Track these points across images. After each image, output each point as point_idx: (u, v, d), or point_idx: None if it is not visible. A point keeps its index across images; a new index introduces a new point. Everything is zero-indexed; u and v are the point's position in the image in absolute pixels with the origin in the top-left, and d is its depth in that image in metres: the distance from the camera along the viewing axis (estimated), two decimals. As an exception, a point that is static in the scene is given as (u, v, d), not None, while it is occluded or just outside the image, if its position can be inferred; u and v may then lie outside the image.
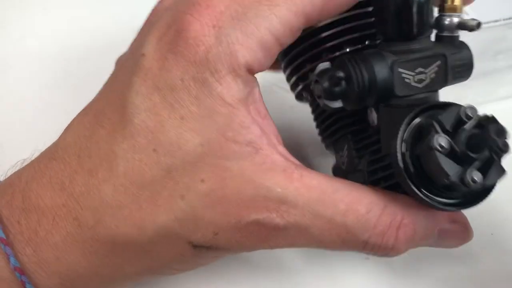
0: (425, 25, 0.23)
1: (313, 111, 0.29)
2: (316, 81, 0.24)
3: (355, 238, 0.22)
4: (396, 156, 0.22)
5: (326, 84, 0.23)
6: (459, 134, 0.21)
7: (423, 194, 0.22)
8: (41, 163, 0.24)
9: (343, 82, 0.23)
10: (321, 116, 0.28)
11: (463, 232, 0.25)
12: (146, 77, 0.22)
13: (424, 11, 0.23)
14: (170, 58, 0.22)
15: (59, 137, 0.25)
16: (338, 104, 0.23)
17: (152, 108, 0.22)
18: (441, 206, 0.22)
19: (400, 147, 0.22)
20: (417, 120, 0.22)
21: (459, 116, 0.21)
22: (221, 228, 0.22)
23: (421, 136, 0.22)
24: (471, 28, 0.23)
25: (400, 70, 0.22)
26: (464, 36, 0.24)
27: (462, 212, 0.24)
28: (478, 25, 0.23)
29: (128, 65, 0.24)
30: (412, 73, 0.23)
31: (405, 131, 0.22)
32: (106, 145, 0.22)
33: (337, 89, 0.23)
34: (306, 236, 0.23)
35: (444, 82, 0.24)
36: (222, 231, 0.22)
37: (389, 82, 0.22)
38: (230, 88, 0.22)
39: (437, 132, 0.21)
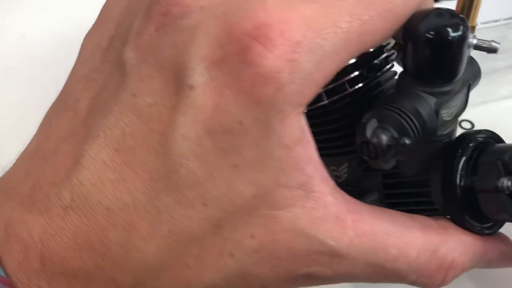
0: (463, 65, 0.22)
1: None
2: (366, 142, 0.21)
3: (402, 279, 0.22)
4: (456, 191, 0.22)
5: (384, 145, 0.21)
6: None
7: (471, 225, 0.23)
8: (53, 214, 0.20)
9: (405, 139, 0.21)
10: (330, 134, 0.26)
11: (509, 262, 0.25)
12: (197, 119, 0.18)
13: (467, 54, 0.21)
14: (228, 96, 0.18)
15: (68, 175, 0.20)
16: (393, 162, 0.22)
17: (202, 156, 0.18)
18: (488, 232, 0.23)
19: (458, 181, 0.22)
20: (466, 152, 0.22)
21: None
22: (269, 281, 0.21)
23: (476, 170, 0.22)
24: (490, 51, 0.23)
25: (443, 112, 0.22)
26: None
27: (510, 244, 0.24)
28: (496, 49, 0.23)
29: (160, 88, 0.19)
30: (449, 110, 0.22)
31: (461, 166, 0.22)
32: (144, 198, 0.19)
33: (397, 147, 0.21)
34: (353, 279, 0.22)
35: (466, 106, 0.23)
36: (270, 283, 0.21)
37: (433, 124, 0.22)
38: (292, 129, 0.19)
39: (502, 174, 0.21)
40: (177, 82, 0.19)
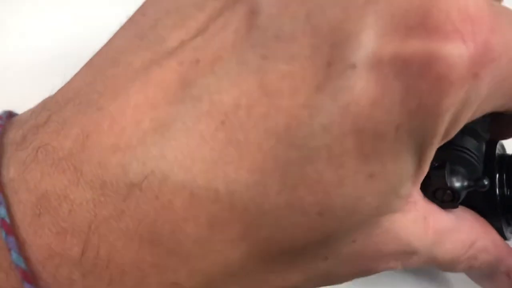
0: None
1: None
2: (443, 188, 0.21)
3: (439, 266, 0.22)
4: (496, 200, 0.22)
5: (463, 189, 0.21)
6: None
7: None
8: (111, 191, 0.15)
9: (485, 180, 0.21)
10: None
11: (506, 286, 0.24)
12: (348, 110, 0.14)
13: None
14: (395, 92, 0.14)
15: (143, 140, 0.15)
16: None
17: (338, 157, 0.15)
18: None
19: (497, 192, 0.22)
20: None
21: None
22: (346, 277, 0.19)
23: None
24: None
25: (484, 135, 0.22)
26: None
27: None
28: None
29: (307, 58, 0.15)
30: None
31: (498, 179, 0.22)
32: (246, 192, 0.15)
33: (475, 187, 0.21)
34: (405, 268, 0.21)
35: None
36: (345, 279, 0.19)
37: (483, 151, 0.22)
38: (435, 146, 0.16)
39: None
40: (333, 55, 0.14)
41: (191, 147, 0.15)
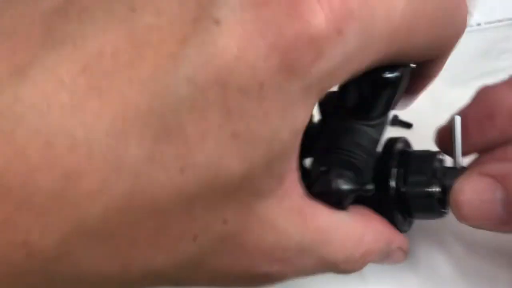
0: None
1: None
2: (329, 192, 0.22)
3: (335, 269, 0.22)
4: (389, 198, 0.24)
5: (347, 193, 0.22)
6: (442, 180, 0.24)
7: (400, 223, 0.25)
8: None
9: (369, 186, 0.22)
10: None
11: (402, 257, 0.26)
12: (211, 63, 0.15)
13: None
14: (259, 48, 0.15)
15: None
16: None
17: (201, 109, 0.15)
18: (406, 229, 0.26)
19: (392, 191, 0.24)
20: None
21: (439, 164, 0.24)
22: (222, 276, 0.18)
23: (406, 178, 0.24)
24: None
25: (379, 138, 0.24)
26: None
27: (407, 242, 0.26)
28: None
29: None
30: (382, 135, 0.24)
31: (393, 176, 0.24)
32: (104, 140, 0.14)
33: (360, 192, 0.22)
34: (299, 276, 0.21)
35: None
36: (221, 279, 0.19)
37: (376, 153, 0.24)
38: (305, 115, 0.17)
39: (432, 182, 0.23)
40: (199, 10, 0.15)
41: (49, 91, 0.14)
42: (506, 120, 0.23)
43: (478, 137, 0.24)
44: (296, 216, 0.19)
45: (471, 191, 0.22)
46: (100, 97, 0.14)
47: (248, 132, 0.15)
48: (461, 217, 0.22)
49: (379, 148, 0.24)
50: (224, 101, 0.15)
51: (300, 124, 0.17)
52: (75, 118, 0.14)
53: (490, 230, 0.22)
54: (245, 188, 0.16)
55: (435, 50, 0.21)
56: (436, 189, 0.23)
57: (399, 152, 0.25)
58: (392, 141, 0.25)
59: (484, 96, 0.24)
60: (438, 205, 0.24)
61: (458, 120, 0.24)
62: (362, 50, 0.17)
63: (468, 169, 0.24)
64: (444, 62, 0.23)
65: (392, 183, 0.24)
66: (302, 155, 0.21)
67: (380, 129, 0.23)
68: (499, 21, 0.46)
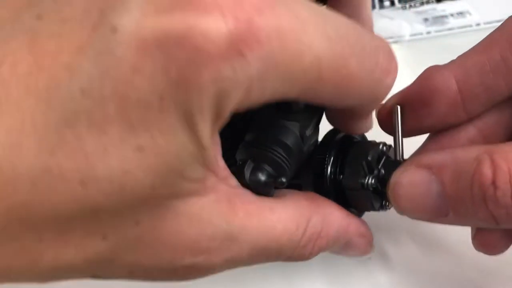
0: None
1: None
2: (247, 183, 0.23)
3: (282, 255, 0.21)
4: (326, 192, 0.24)
5: (263, 184, 0.22)
6: (379, 172, 0.24)
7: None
8: None
9: (282, 178, 0.22)
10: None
11: (366, 246, 0.25)
12: (108, 75, 0.14)
13: None
14: (157, 60, 0.14)
15: None
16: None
17: (100, 123, 0.14)
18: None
19: (328, 184, 0.24)
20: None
21: (378, 155, 0.24)
22: (142, 269, 0.18)
23: (343, 170, 0.24)
24: None
25: (306, 131, 0.24)
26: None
27: (369, 230, 0.26)
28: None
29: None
30: (310, 127, 0.24)
31: (329, 170, 0.25)
32: (1, 149, 0.14)
33: (276, 184, 0.23)
34: (235, 266, 0.20)
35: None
36: (141, 271, 0.18)
37: (300, 146, 0.24)
38: (210, 125, 0.16)
39: (367, 173, 0.24)
40: (99, 15, 0.14)
41: None
42: (444, 109, 0.23)
43: (415, 124, 0.24)
44: (223, 206, 0.18)
45: (408, 184, 0.22)
46: None
47: (154, 145, 0.15)
48: (399, 210, 0.22)
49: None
50: (124, 114, 0.14)
51: (206, 137, 0.16)
52: None
53: (429, 221, 0.22)
54: (157, 195, 0.16)
55: (349, 104, 0.20)
56: (370, 181, 0.23)
57: (339, 141, 0.25)
58: (334, 132, 0.25)
59: (423, 81, 0.23)
60: (375, 196, 0.24)
61: (398, 109, 0.23)
62: (262, 80, 0.16)
63: (406, 160, 0.23)
64: (367, 114, 0.22)
65: (328, 172, 0.24)
66: (233, 146, 0.23)
67: (306, 123, 0.23)
68: (498, 21, 0.46)
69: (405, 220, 0.24)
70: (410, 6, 0.48)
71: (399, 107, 0.23)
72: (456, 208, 0.21)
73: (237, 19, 0.14)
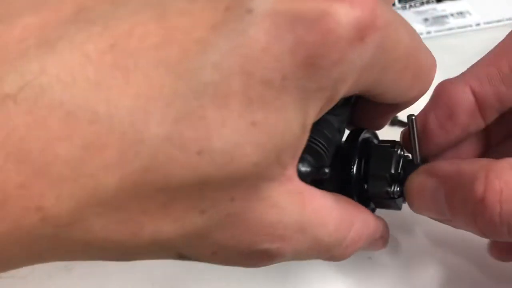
0: None
1: None
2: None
3: (328, 253, 0.22)
4: (352, 196, 0.25)
5: (306, 175, 0.22)
6: (400, 175, 0.25)
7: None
8: None
9: (325, 169, 0.23)
10: None
11: (384, 244, 0.27)
12: (239, 52, 0.15)
13: None
14: (286, 41, 0.15)
15: (25, 55, 0.15)
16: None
17: (224, 96, 0.15)
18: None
19: (353, 190, 0.25)
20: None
21: (397, 161, 0.25)
22: (224, 249, 0.19)
23: (367, 179, 0.25)
24: None
25: (342, 127, 0.25)
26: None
27: (388, 230, 0.27)
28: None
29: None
30: (345, 123, 0.25)
31: (354, 176, 0.25)
32: (127, 117, 0.15)
33: (318, 175, 0.23)
34: (295, 258, 0.21)
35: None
36: (223, 252, 0.19)
37: (338, 140, 0.25)
38: (318, 113, 0.17)
39: (390, 183, 0.25)
40: (232, 0, 0.15)
41: (75, 65, 0.14)
42: (466, 116, 0.24)
43: (442, 137, 0.25)
44: (296, 197, 0.19)
45: (419, 189, 0.24)
46: (125, 75, 0.15)
47: (266, 122, 0.16)
48: (412, 209, 0.24)
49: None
50: (247, 90, 0.15)
51: (310, 121, 0.17)
52: (98, 93, 0.14)
53: (439, 221, 0.24)
54: (255, 173, 0.17)
55: (409, 97, 0.22)
56: (395, 189, 0.25)
57: (362, 143, 0.26)
58: (357, 132, 0.26)
59: (442, 95, 0.24)
60: (399, 200, 0.26)
61: (413, 120, 0.24)
62: (371, 66, 0.17)
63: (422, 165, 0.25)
64: (405, 107, 0.24)
65: (353, 176, 0.25)
66: None
67: (343, 118, 0.24)
68: (498, 21, 0.46)
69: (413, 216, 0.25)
70: (410, 6, 0.48)
71: (413, 117, 0.25)
72: (454, 217, 0.22)
73: (362, 8, 0.16)
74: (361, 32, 0.16)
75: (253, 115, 0.16)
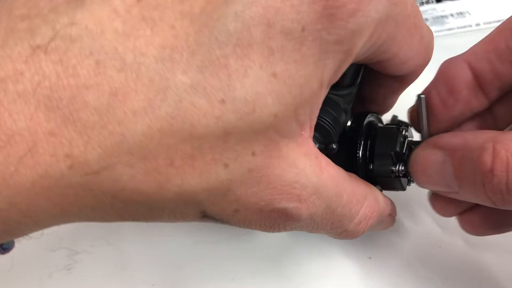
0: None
1: None
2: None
3: (341, 226, 0.23)
4: (358, 174, 0.25)
5: (317, 147, 0.23)
6: (405, 155, 0.25)
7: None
8: (13, 51, 0.15)
9: (333, 145, 0.24)
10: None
11: (392, 222, 0.27)
12: (259, 2, 0.16)
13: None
14: None
15: (56, 9, 0.15)
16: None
17: (246, 45, 0.16)
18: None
19: (359, 169, 0.25)
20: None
21: (402, 140, 0.25)
22: (245, 207, 0.19)
23: (372, 158, 0.26)
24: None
25: (347, 107, 0.26)
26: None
27: (395, 208, 0.27)
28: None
29: None
30: (350, 107, 0.26)
31: (361, 156, 0.26)
32: (154, 65, 0.15)
33: (326, 151, 0.24)
34: (309, 224, 0.22)
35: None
36: (244, 210, 0.19)
37: (344, 121, 0.26)
38: (336, 68, 0.18)
39: (395, 162, 0.25)
40: None
41: (103, 17, 0.15)
42: (466, 91, 0.24)
43: (446, 113, 0.25)
44: (314, 161, 0.20)
45: (425, 162, 0.24)
46: (151, 26, 0.15)
47: (286, 74, 0.16)
48: (418, 183, 0.25)
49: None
50: (268, 40, 0.16)
51: (327, 77, 0.18)
52: (126, 43, 0.15)
53: (445, 195, 0.24)
54: (274, 127, 0.17)
55: (412, 65, 0.23)
56: (400, 167, 0.25)
57: (367, 125, 0.26)
58: (362, 115, 0.26)
59: (443, 73, 0.25)
60: (403, 179, 0.26)
61: (423, 99, 0.25)
62: (385, 22, 0.18)
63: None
64: (411, 81, 0.25)
65: (359, 157, 0.25)
66: None
67: (348, 99, 0.25)
68: (498, 21, 0.46)
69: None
70: (410, 6, 0.48)
71: (423, 96, 0.25)
72: (462, 188, 0.22)
73: None
74: None
75: (274, 66, 0.16)
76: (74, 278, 0.30)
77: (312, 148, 0.20)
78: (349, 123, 0.27)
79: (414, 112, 0.26)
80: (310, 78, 0.17)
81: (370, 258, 0.30)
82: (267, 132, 0.17)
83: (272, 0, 0.16)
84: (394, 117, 0.34)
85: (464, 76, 0.24)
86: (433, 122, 0.25)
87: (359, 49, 0.18)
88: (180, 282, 0.30)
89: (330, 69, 0.18)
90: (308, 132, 0.19)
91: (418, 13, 0.20)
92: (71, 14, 0.15)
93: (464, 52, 0.25)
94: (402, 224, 0.31)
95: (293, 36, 0.16)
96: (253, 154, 0.18)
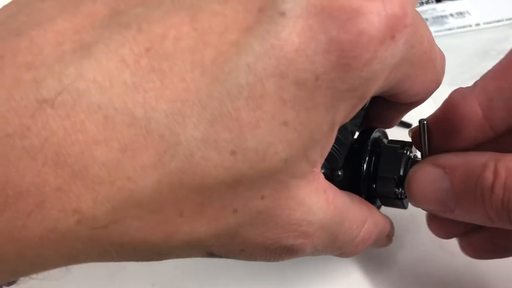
0: None
1: None
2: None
3: (340, 250, 0.23)
4: (361, 194, 0.25)
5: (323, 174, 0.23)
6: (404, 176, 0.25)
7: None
8: (19, 104, 0.14)
9: (338, 172, 0.24)
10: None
11: (389, 242, 0.27)
12: (273, 54, 0.15)
13: None
14: (319, 43, 0.15)
15: (62, 59, 0.15)
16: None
17: (258, 98, 0.15)
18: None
19: (361, 187, 0.25)
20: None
21: (406, 162, 0.25)
22: (252, 246, 0.19)
23: (375, 180, 0.25)
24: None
25: (354, 129, 0.26)
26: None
27: (394, 228, 0.28)
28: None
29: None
30: (357, 127, 0.26)
31: (364, 175, 0.26)
32: (164, 120, 0.15)
33: (331, 178, 0.24)
34: (312, 254, 0.22)
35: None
36: (250, 249, 0.19)
37: (350, 141, 0.25)
38: (349, 113, 0.18)
39: (398, 185, 0.25)
40: (265, 1, 0.15)
41: (111, 69, 0.15)
42: (474, 132, 0.24)
43: (448, 145, 0.24)
44: (322, 196, 0.19)
45: (422, 180, 0.24)
46: (161, 79, 0.15)
47: (297, 121, 0.16)
48: (412, 200, 0.24)
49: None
50: (280, 91, 0.15)
51: (339, 120, 0.18)
52: (135, 96, 0.15)
53: (438, 214, 0.24)
54: (285, 170, 0.17)
55: (426, 91, 0.22)
56: (403, 190, 0.25)
57: (372, 142, 0.26)
58: (367, 132, 0.26)
59: (451, 111, 0.24)
60: (406, 200, 0.26)
61: (425, 125, 0.25)
62: (401, 64, 0.18)
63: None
64: (418, 105, 0.24)
65: (363, 174, 0.25)
66: None
67: (356, 122, 0.25)
68: (498, 21, 0.46)
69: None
70: (410, 6, 0.48)
71: (425, 122, 0.25)
72: (461, 205, 0.22)
73: (394, 5, 0.16)
74: (392, 30, 0.16)
75: (285, 115, 0.16)
76: (74, 277, 0.30)
77: (321, 182, 0.20)
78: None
79: (415, 134, 0.26)
80: (321, 123, 0.17)
81: (370, 258, 0.30)
82: (277, 176, 0.17)
83: (285, 51, 0.15)
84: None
85: (474, 117, 0.23)
86: (434, 148, 0.25)
87: (373, 92, 0.18)
88: (180, 282, 0.30)
89: (342, 113, 0.17)
90: (319, 168, 0.19)
91: (433, 44, 0.20)
92: (78, 65, 0.15)
93: (475, 87, 0.24)
94: (404, 224, 0.31)
95: (306, 86, 0.16)
96: (262, 197, 0.17)
